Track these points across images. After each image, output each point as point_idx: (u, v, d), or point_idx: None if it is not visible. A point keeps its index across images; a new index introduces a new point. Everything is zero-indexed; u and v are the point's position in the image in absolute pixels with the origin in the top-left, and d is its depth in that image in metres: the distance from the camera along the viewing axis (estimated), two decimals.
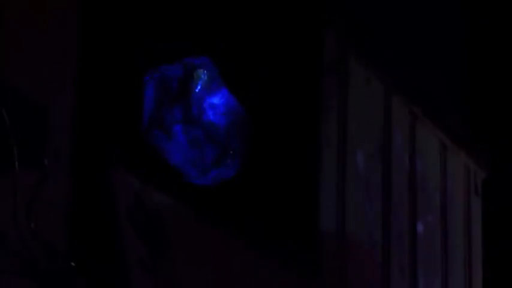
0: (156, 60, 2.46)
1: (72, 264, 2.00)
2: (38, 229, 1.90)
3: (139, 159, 2.36)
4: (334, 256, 2.90)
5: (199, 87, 2.34)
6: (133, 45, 2.45)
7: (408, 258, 3.21)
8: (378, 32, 3.43)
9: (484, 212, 3.88)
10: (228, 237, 2.56)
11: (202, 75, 2.34)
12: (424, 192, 3.45)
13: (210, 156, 2.37)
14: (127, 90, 2.37)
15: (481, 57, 4.05)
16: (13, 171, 1.85)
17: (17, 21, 1.91)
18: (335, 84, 2.99)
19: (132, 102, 2.37)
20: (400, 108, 3.31)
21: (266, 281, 2.68)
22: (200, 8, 2.61)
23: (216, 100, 2.35)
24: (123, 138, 2.34)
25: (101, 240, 2.17)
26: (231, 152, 2.38)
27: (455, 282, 3.60)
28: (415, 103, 3.40)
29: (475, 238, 3.74)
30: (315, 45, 2.98)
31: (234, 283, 2.50)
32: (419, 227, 3.32)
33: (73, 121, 2.12)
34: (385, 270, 3.11)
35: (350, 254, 2.95)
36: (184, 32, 2.64)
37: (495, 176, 3.92)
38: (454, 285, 3.55)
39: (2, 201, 1.84)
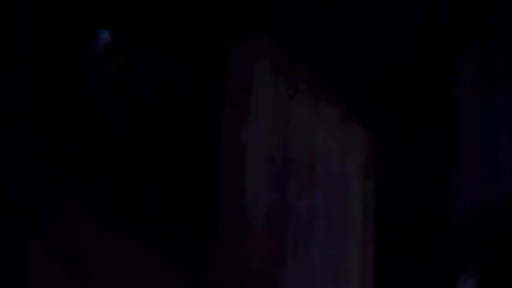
0: None
1: None
2: None
3: None
4: (231, 229, 2.87)
5: None
6: None
7: (302, 232, 3.16)
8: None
9: (376, 186, 3.79)
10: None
11: None
12: (318, 167, 3.32)
13: None
14: None
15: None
16: None
17: None
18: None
19: None
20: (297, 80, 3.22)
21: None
22: None
23: None
24: None
25: None
26: None
27: (349, 252, 3.45)
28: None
29: (368, 212, 3.62)
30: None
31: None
32: (319, 198, 3.23)
33: None
34: (280, 242, 3.05)
35: (247, 233, 2.90)
36: None
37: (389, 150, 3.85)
38: (347, 255, 3.40)
39: None
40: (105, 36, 2.94)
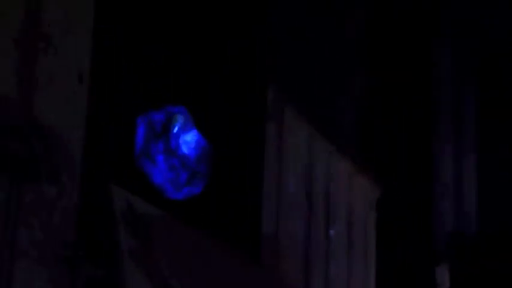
0: (145, 107, 2.72)
1: (80, 253, 2.14)
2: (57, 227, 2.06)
3: (131, 178, 2.53)
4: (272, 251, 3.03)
5: (176, 128, 2.67)
6: (130, 94, 2.63)
7: (323, 255, 3.40)
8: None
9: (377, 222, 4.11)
10: (199, 236, 2.68)
11: (179, 119, 2.67)
12: (335, 207, 3.53)
13: (183, 178, 2.68)
14: (124, 128, 2.57)
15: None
16: (40, 186, 2.02)
17: None
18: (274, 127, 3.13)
19: (127, 137, 2.58)
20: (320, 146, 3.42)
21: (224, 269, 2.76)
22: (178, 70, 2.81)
23: (188, 137, 2.69)
24: (121, 163, 2.53)
25: (102, 235, 2.28)
26: (199, 174, 2.70)
27: (357, 272, 3.78)
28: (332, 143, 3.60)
29: (371, 242, 3.90)
30: (260, 100, 3.09)
31: (203, 269, 2.58)
32: (331, 233, 3.57)
33: (83, 150, 2.22)
34: (306, 263, 3.24)
35: (283, 252, 3.09)
36: (167, 87, 2.83)
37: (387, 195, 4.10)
38: (356, 274, 3.75)
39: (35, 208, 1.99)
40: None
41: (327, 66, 3.69)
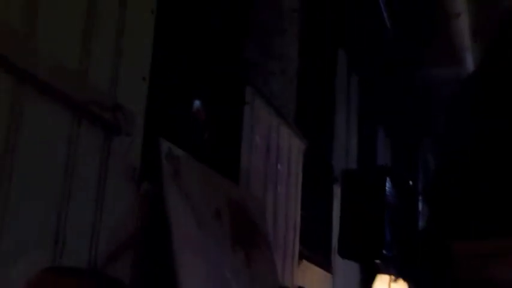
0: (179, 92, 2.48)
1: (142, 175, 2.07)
2: None
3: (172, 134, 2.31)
4: (246, 178, 2.88)
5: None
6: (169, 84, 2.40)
7: (274, 180, 3.20)
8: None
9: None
10: (206, 169, 2.44)
11: None
12: (281, 152, 3.28)
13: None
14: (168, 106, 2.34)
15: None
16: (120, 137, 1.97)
17: None
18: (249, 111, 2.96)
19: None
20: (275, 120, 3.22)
21: None
22: None
23: None
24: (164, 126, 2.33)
25: (154, 165, 2.13)
26: None
27: (292, 192, 3.35)
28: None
29: (300, 173, 3.51)
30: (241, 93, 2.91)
31: (208, 186, 2.36)
32: (279, 167, 3.28)
33: (144, 117, 2.13)
34: (264, 185, 3.08)
35: (252, 179, 2.93)
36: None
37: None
38: (291, 193, 3.32)
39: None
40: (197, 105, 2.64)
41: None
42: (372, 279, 3.53)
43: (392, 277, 3.20)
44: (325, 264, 3.70)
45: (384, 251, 2.58)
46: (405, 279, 3.11)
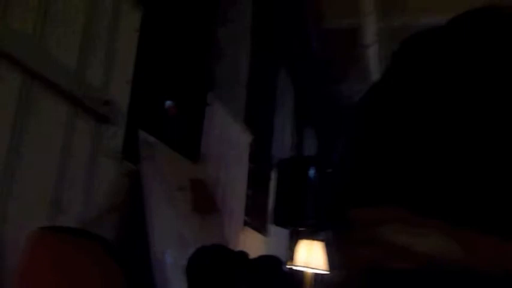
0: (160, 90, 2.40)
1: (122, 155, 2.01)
2: None
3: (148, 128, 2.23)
4: (203, 158, 2.84)
5: None
6: (150, 84, 2.30)
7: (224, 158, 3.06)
8: None
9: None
10: (175, 154, 2.39)
11: None
12: (234, 142, 3.19)
13: None
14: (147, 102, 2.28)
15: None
16: (108, 125, 1.91)
17: None
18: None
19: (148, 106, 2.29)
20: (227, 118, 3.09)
21: None
22: None
23: None
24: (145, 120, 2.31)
25: (133, 148, 2.06)
26: None
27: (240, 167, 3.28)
28: None
29: (246, 156, 3.44)
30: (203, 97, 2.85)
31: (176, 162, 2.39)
32: (232, 153, 3.17)
33: (128, 110, 2.05)
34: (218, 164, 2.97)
35: (208, 159, 2.83)
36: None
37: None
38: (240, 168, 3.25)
39: None
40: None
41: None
42: (296, 242, 3.59)
43: (312, 241, 3.27)
44: (263, 230, 3.73)
45: (306, 221, 2.66)
46: (321, 241, 3.20)
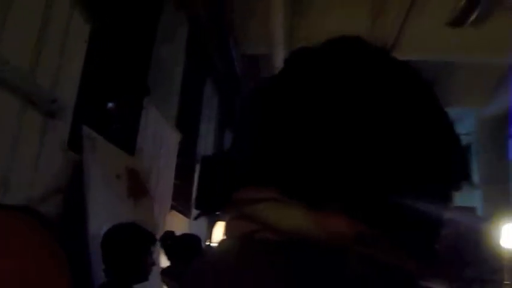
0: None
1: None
2: None
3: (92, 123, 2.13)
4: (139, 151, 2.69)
5: None
6: (99, 84, 2.20)
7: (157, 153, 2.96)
8: None
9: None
10: (116, 148, 2.38)
11: None
12: (163, 141, 3.06)
13: None
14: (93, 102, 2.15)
15: None
16: (55, 121, 1.87)
17: None
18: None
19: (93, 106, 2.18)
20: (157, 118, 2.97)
21: None
22: None
23: None
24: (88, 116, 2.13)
25: (78, 140, 1.98)
26: None
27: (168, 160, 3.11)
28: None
29: (175, 152, 3.27)
30: (140, 102, 2.78)
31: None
32: (164, 148, 3.03)
33: (73, 109, 1.97)
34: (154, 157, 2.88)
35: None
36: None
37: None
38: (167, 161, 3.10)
39: None
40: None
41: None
42: (214, 223, 3.66)
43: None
44: (187, 213, 3.68)
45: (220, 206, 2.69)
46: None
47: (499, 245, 2.68)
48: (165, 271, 2.04)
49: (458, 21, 2.93)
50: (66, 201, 1.90)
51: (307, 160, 0.30)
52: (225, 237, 0.33)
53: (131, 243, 1.40)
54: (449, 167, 0.31)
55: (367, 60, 0.32)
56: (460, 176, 0.32)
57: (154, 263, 1.42)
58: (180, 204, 3.47)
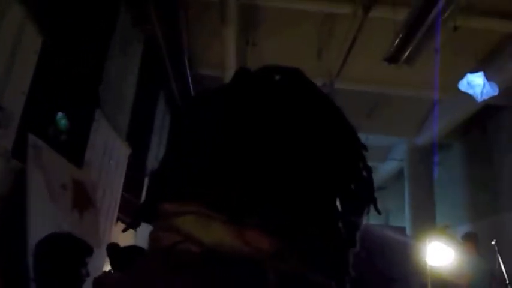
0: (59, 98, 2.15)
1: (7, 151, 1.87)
2: None
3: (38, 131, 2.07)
4: None
5: None
6: (50, 95, 2.15)
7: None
8: None
9: None
10: (63, 159, 2.26)
11: None
12: (113, 150, 3.02)
13: None
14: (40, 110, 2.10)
15: None
16: (2, 130, 1.78)
17: None
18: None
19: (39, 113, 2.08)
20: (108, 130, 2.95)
21: None
22: None
23: None
24: (35, 125, 2.08)
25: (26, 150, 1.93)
26: None
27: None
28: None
29: (125, 159, 3.29)
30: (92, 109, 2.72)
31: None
32: (112, 161, 3.02)
33: (20, 119, 1.94)
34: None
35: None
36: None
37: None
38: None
39: None
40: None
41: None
42: None
43: None
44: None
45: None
46: None
47: (425, 262, 2.78)
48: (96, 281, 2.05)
49: (393, 58, 3.11)
50: (6, 210, 1.86)
51: (228, 177, 0.31)
52: (149, 248, 0.33)
53: (64, 253, 1.34)
54: (355, 189, 0.33)
55: (285, 90, 0.34)
56: (365, 199, 0.34)
57: (88, 274, 1.37)
58: (128, 216, 3.45)
